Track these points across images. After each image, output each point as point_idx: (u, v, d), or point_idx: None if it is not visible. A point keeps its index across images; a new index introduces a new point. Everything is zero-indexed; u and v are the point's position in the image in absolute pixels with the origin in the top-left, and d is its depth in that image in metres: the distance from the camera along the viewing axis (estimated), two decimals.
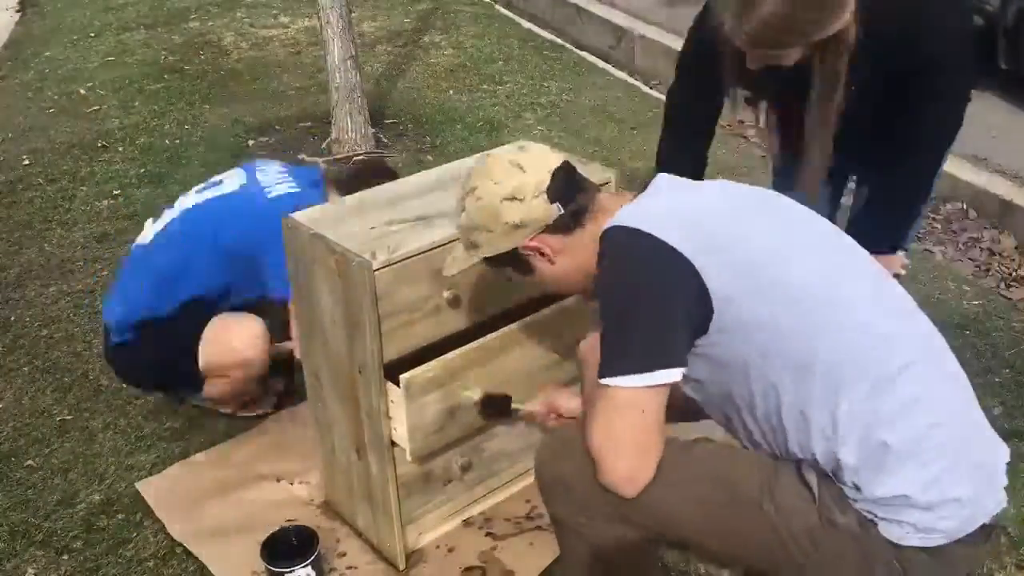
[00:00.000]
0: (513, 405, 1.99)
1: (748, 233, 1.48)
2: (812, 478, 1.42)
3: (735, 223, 1.49)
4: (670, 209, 1.51)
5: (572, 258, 1.58)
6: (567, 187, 1.56)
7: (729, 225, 1.48)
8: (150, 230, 2.56)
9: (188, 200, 2.54)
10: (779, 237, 1.50)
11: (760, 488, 1.45)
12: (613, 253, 1.48)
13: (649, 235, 1.43)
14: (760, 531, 1.44)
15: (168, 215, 2.54)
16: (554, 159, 1.59)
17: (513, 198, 1.54)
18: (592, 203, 1.58)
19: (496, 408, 1.99)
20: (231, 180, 2.53)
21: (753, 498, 1.45)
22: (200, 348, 2.46)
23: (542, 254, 1.58)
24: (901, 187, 2.09)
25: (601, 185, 2.07)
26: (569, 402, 1.91)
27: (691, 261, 1.40)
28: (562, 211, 1.55)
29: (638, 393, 1.41)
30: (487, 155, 1.63)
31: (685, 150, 2.28)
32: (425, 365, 1.89)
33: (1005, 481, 1.45)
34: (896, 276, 2.12)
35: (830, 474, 1.41)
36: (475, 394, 1.97)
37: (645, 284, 1.43)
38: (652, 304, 1.42)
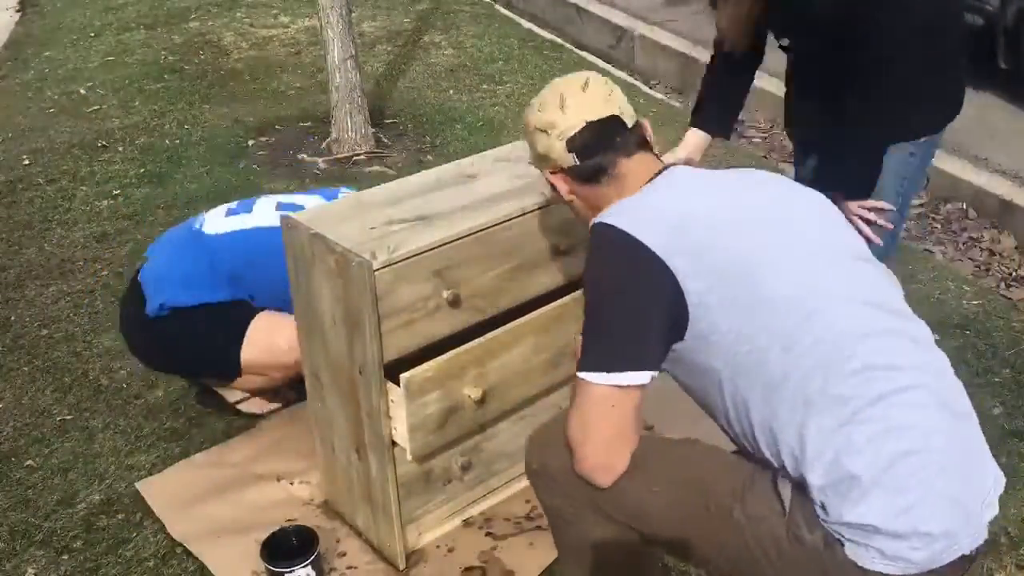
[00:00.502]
0: None
1: (733, 240, 1.45)
2: (786, 491, 1.41)
3: (721, 229, 1.47)
4: (659, 209, 1.52)
5: (584, 204, 1.66)
6: (591, 142, 1.59)
7: (714, 230, 1.46)
8: (222, 221, 2.51)
9: (270, 210, 2.48)
10: (767, 244, 1.46)
11: (733, 494, 1.45)
12: (595, 250, 1.52)
13: (629, 235, 1.46)
14: (729, 537, 1.45)
15: (247, 220, 2.48)
16: (602, 109, 1.60)
17: (543, 130, 1.62)
18: (613, 167, 1.60)
19: None
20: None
21: (725, 504, 1.45)
22: (244, 345, 2.41)
23: (556, 187, 1.67)
24: (850, 131, 2.11)
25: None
26: None
27: (667, 264, 1.42)
28: (576, 163, 1.60)
29: (609, 390, 1.44)
30: (560, 79, 1.68)
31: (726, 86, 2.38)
32: (424, 364, 1.89)
33: (993, 513, 1.40)
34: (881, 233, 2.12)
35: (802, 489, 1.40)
36: (475, 393, 1.97)
37: (620, 285, 1.45)
38: (626, 306, 1.44)
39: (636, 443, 1.50)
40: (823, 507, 1.36)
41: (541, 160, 1.67)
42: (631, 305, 1.44)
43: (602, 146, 1.60)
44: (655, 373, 1.46)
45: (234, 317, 2.44)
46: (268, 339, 2.40)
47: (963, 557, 1.36)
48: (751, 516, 1.43)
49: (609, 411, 1.46)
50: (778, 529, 1.40)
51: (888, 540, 1.32)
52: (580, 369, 1.47)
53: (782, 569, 1.42)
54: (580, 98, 1.61)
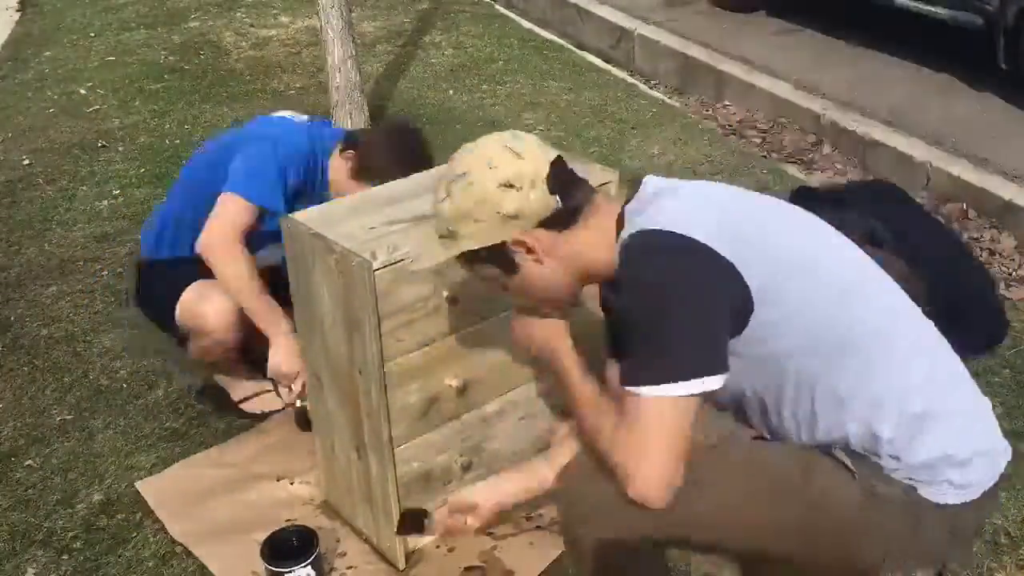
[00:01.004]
0: (426, 521, 1.97)
1: (767, 225, 1.48)
2: (844, 457, 1.43)
3: (752, 217, 1.49)
4: (689, 209, 1.44)
5: (561, 259, 1.49)
6: (567, 180, 1.47)
7: (748, 219, 1.47)
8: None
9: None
10: (794, 226, 1.52)
11: (802, 475, 1.44)
12: (644, 256, 1.40)
13: (682, 235, 1.37)
14: (809, 515, 1.44)
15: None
16: (550, 150, 1.49)
17: (510, 185, 1.43)
18: (589, 202, 1.50)
19: (411, 524, 1.98)
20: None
21: (796, 486, 1.44)
22: (178, 303, 2.42)
23: (530, 251, 1.48)
24: None
25: (601, 185, 2.08)
26: (476, 497, 1.80)
27: (729, 259, 1.36)
28: (560, 205, 1.45)
29: (676, 402, 1.34)
30: (476, 142, 1.51)
31: None
32: (408, 355, 1.91)
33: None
34: None
35: (863, 452, 1.43)
36: (456, 381, 2.00)
37: (686, 285, 1.36)
38: (695, 307, 1.36)
39: (688, 457, 1.38)
40: (894, 457, 1.41)
41: (504, 226, 1.45)
42: (700, 306, 1.36)
43: (574, 181, 1.48)
44: (725, 378, 1.38)
45: (186, 276, 2.43)
46: (198, 304, 2.39)
47: (1000, 476, 1.47)
48: (824, 490, 1.43)
49: (671, 426, 1.35)
50: (855, 494, 1.42)
51: (956, 470, 1.40)
52: (637, 383, 1.35)
53: (867, 533, 1.42)
54: (525, 145, 1.47)
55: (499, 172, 1.44)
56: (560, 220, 1.47)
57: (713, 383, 1.36)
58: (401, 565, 2.10)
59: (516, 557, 2.12)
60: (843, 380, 1.41)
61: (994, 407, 1.58)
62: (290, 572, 1.98)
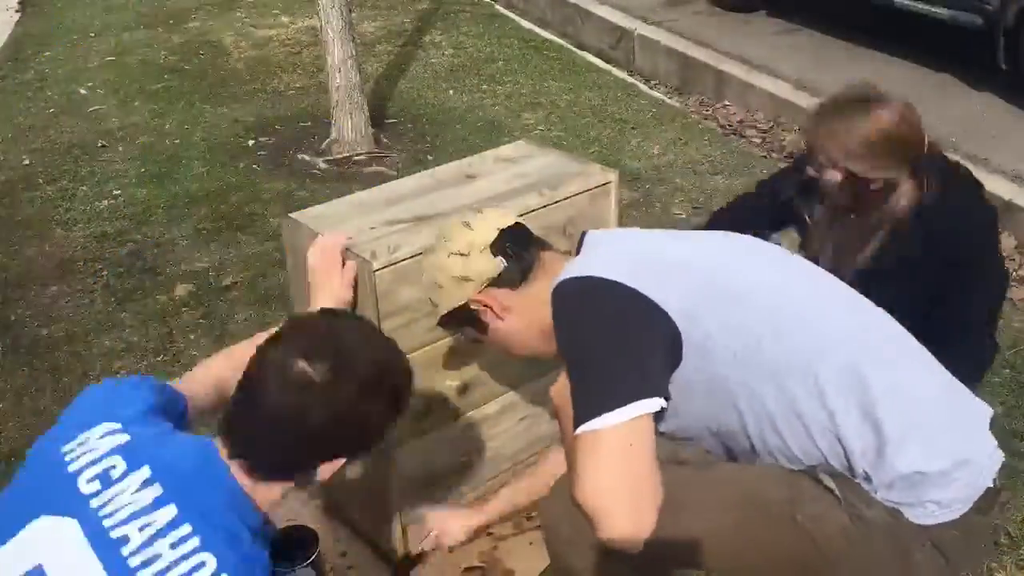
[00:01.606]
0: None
1: (692, 254, 1.55)
2: (829, 481, 1.42)
3: (678, 250, 1.56)
4: (612, 254, 1.54)
5: (521, 315, 1.61)
6: (513, 243, 1.62)
7: (672, 254, 1.54)
8: None
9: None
10: (724, 251, 1.57)
11: (789, 500, 1.43)
12: (565, 303, 1.48)
13: (597, 277, 1.45)
14: (797, 543, 1.43)
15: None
16: (506, 220, 1.65)
17: (459, 253, 1.61)
18: (537, 260, 1.62)
19: None
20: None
21: (785, 512, 1.43)
22: None
23: (490, 309, 1.61)
24: None
25: (600, 186, 2.08)
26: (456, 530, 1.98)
27: (641, 291, 1.42)
28: (505, 264, 1.60)
29: (620, 431, 1.31)
30: (445, 223, 1.72)
31: None
32: (408, 355, 1.90)
33: (995, 442, 1.47)
34: None
35: (844, 472, 1.41)
36: (455, 382, 2.00)
37: (604, 321, 1.42)
38: (616, 338, 1.40)
39: (660, 495, 1.32)
40: (867, 477, 1.39)
41: (460, 288, 1.61)
42: (620, 336, 1.40)
43: (523, 244, 1.63)
44: (664, 403, 1.37)
45: None
46: None
47: (990, 491, 1.42)
48: (811, 515, 1.42)
49: (625, 460, 1.31)
50: (841, 518, 1.41)
51: (938, 488, 1.37)
52: (581, 422, 1.33)
53: (856, 559, 1.41)
54: (481, 218, 1.65)
55: (451, 244, 1.63)
56: (510, 279, 1.61)
57: (649, 405, 1.34)
58: (401, 565, 2.10)
59: (516, 557, 2.12)
60: (792, 397, 1.40)
61: (994, 407, 1.56)
62: (290, 572, 1.98)
